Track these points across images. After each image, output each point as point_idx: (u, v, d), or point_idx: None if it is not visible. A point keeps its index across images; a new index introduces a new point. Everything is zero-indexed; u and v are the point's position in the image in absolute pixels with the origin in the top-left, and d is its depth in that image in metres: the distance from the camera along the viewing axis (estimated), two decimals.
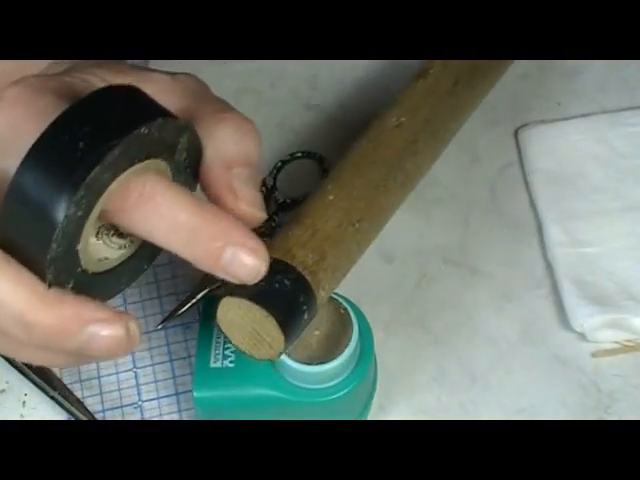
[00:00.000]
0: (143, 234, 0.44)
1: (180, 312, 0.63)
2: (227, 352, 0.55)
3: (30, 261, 0.43)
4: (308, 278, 0.49)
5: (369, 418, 0.59)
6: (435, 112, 0.59)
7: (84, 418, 0.59)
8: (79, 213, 0.42)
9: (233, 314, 0.48)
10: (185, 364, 0.62)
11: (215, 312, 0.48)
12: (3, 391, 0.61)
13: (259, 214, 0.48)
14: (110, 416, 0.60)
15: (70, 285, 0.44)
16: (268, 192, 0.68)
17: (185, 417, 0.60)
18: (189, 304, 0.63)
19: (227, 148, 0.47)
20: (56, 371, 0.61)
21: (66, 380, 0.61)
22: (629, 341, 0.61)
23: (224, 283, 0.46)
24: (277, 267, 0.48)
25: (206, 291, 0.64)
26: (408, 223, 0.66)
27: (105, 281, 0.47)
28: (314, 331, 0.53)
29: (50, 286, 0.43)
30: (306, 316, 0.49)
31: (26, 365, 0.61)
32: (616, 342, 0.61)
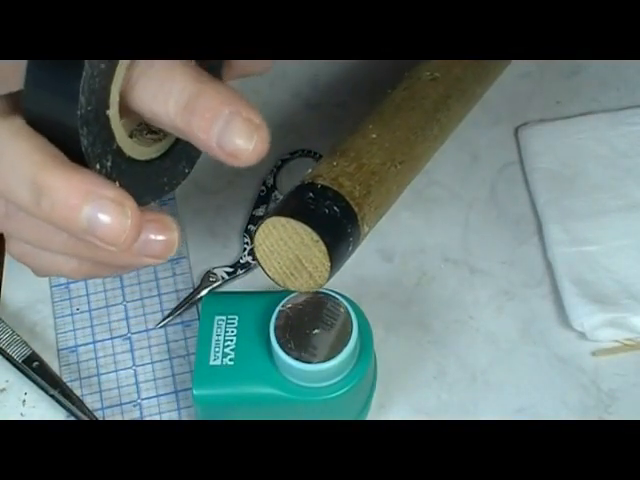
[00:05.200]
0: (146, 108, 0.43)
1: (180, 310, 0.63)
2: (227, 350, 0.55)
3: (62, 133, 0.42)
4: (355, 209, 0.48)
5: (369, 416, 0.59)
6: (465, 73, 0.60)
7: (84, 416, 0.59)
8: (101, 65, 0.41)
9: (274, 238, 0.46)
10: (184, 362, 0.62)
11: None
12: (3, 390, 0.61)
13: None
14: (109, 414, 0.60)
15: (108, 162, 0.43)
16: (268, 191, 0.68)
17: (184, 415, 0.60)
18: (189, 302, 0.64)
19: None
20: (56, 369, 0.61)
21: (65, 378, 0.61)
22: (629, 340, 0.61)
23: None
24: (325, 193, 0.47)
25: (206, 290, 0.64)
26: (408, 222, 0.66)
27: (146, 175, 0.45)
28: (314, 329, 0.53)
29: (86, 151, 0.42)
30: (350, 248, 0.47)
31: (26, 363, 0.61)
32: (616, 341, 0.61)
